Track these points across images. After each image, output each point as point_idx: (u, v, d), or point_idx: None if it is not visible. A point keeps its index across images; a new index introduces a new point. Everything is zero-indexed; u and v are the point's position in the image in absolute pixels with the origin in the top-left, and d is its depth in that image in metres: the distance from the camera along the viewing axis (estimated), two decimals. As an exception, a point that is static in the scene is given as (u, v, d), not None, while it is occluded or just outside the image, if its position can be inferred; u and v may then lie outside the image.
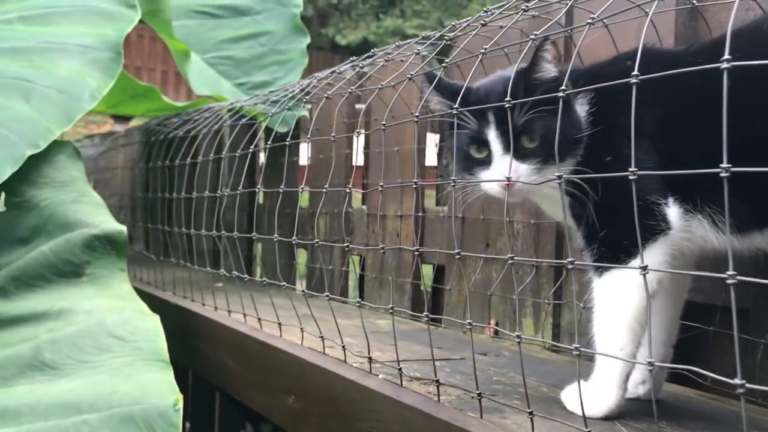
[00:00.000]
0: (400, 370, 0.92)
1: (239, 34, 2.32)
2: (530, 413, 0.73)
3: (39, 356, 1.23)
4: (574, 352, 0.70)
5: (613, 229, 0.87)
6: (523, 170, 0.85)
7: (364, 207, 1.84)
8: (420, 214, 1.61)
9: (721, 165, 0.58)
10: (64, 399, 1.17)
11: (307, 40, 2.30)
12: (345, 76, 1.33)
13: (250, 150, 1.73)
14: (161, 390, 1.19)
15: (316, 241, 1.14)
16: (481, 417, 0.80)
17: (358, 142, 1.86)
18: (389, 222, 1.71)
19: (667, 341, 0.97)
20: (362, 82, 1.33)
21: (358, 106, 1.92)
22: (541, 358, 1.22)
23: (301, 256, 2.14)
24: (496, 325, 1.40)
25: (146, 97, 2.74)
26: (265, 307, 1.29)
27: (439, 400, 0.86)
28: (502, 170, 0.85)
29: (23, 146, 1.37)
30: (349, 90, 1.29)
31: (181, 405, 1.17)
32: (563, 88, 0.74)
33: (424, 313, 0.89)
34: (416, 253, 0.90)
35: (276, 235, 1.20)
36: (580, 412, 0.84)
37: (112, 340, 1.27)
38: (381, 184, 1.04)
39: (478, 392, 0.80)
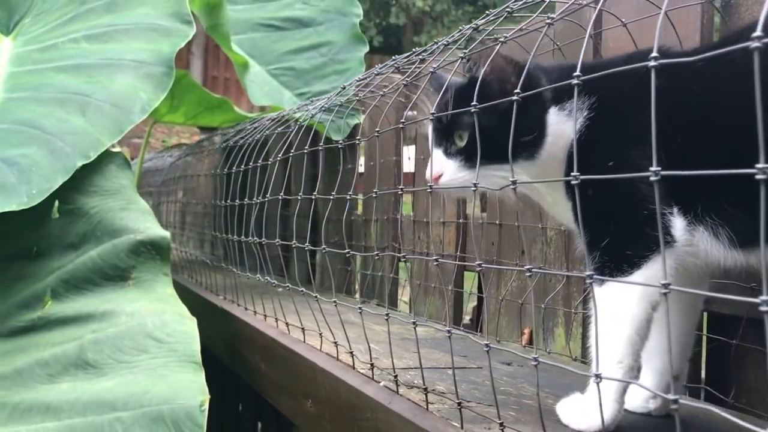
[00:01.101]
0: (395, 377, 0.92)
1: (301, 45, 2.37)
2: (501, 424, 0.72)
3: (82, 355, 1.30)
4: (536, 360, 0.67)
5: (616, 238, 0.83)
6: (448, 167, 0.85)
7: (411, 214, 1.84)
8: (461, 220, 1.60)
9: (758, 165, 0.49)
10: (101, 397, 1.23)
11: (366, 48, 2.32)
12: (394, 80, 1.34)
13: (291, 153, 1.77)
14: (191, 391, 1.24)
15: (323, 247, 1.15)
16: (462, 427, 0.78)
17: (408, 150, 1.86)
18: (433, 228, 1.70)
19: (680, 354, 0.93)
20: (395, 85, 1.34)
21: (408, 113, 1.92)
22: (566, 370, 1.18)
23: (359, 262, 2.16)
24: (530, 334, 1.37)
25: (221, 108, 2.84)
26: (305, 313, 1.30)
27: (427, 408, 0.85)
28: (433, 164, 0.87)
29: (75, 157, 1.45)
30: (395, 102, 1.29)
31: (206, 406, 1.20)
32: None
33: (426, 320, 0.89)
34: (435, 263, 0.88)
35: (292, 242, 1.22)
36: (574, 426, 0.82)
37: (150, 341, 1.33)
38: (375, 191, 1.03)
39: (458, 402, 0.79)
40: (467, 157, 0.85)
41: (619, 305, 0.82)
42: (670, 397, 0.53)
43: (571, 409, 0.84)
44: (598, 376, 0.58)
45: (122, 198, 1.50)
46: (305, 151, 1.45)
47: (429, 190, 0.89)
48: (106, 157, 1.52)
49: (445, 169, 0.87)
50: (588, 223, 0.85)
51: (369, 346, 1.02)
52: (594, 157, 0.86)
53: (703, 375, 1.11)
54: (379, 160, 1.89)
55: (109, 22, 1.82)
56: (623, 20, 1.04)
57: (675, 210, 0.81)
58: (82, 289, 1.40)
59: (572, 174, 0.68)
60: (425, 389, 0.85)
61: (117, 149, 1.62)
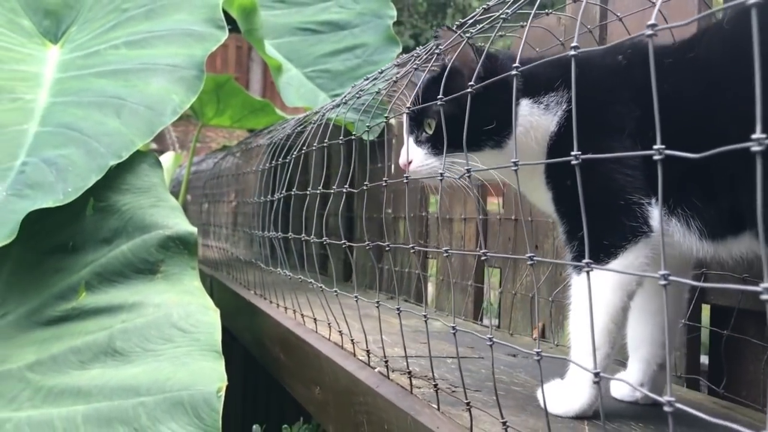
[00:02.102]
0: (386, 362, 0.96)
1: (337, 47, 2.43)
2: (467, 404, 0.74)
3: (112, 344, 1.38)
4: (535, 357, 0.69)
5: (594, 228, 0.85)
6: (417, 154, 0.88)
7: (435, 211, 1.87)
8: (480, 217, 1.62)
9: (754, 136, 0.41)
10: (127, 383, 1.30)
11: (399, 49, 2.36)
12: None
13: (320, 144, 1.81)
14: (210, 378, 1.30)
15: (321, 241, 1.19)
16: (438, 409, 0.81)
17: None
18: (455, 225, 1.72)
19: (665, 344, 0.93)
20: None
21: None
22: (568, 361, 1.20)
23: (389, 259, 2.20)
24: (543, 327, 1.38)
25: (263, 111, 2.93)
26: (331, 307, 1.33)
27: (411, 391, 0.88)
28: (404, 152, 0.92)
29: (109, 157, 1.53)
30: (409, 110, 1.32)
31: (223, 392, 1.26)
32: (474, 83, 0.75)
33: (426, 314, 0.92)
34: (445, 254, 0.91)
35: (313, 238, 1.27)
36: (552, 410, 0.84)
37: (175, 331, 1.39)
38: (366, 183, 1.07)
39: (434, 384, 0.82)
40: (434, 145, 0.88)
41: (596, 294, 0.84)
42: (665, 399, 0.50)
43: (550, 394, 0.86)
44: (597, 374, 0.60)
45: (153, 195, 1.57)
46: (324, 144, 1.49)
47: (405, 181, 0.92)
48: (138, 156, 1.60)
49: (414, 156, 0.90)
50: (566, 213, 0.87)
51: (382, 338, 1.05)
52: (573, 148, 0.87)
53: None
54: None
55: (147, 28, 1.90)
56: (618, 15, 1.05)
57: (653, 201, 0.82)
58: (114, 282, 1.48)
59: (572, 153, 0.66)
60: (409, 373, 0.88)
61: (177, 152, 1.70)
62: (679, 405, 0.46)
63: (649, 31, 0.46)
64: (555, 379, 0.87)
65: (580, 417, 0.83)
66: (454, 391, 0.90)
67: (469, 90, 0.75)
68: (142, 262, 1.50)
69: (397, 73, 1.30)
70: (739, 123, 0.68)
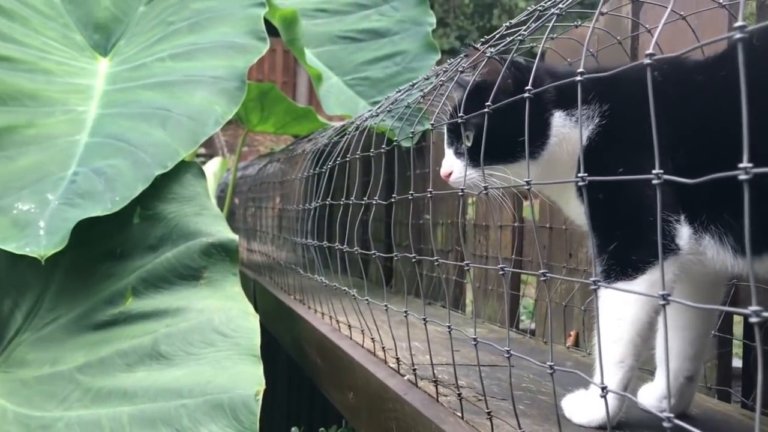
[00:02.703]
0: (414, 370, 0.98)
1: (377, 55, 2.46)
2: (488, 413, 0.76)
3: (156, 348, 1.43)
4: (548, 371, 0.71)
5: (623, 243, 0.86)
6: (456, 165, 0.90)
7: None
8: (516, 224, 1.63)
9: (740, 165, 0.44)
10: (170, 385, 1.35)
11: (437, 56, 2.38)
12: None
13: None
14: (249, 381, 1.34)
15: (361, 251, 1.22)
16: (462, 417, 0.83)
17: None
18: (491, 232, 1.74)
19: (694, 356, 0.93)
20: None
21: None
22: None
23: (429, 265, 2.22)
24: (576, 336, 1.39)
25: (306, 117, 2.98)
26: (366, 313, 1.37)
27: (437, 399, 0.91)
28: (444, 163, 0.95)
29: (154, 167, 1.59)
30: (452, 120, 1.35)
31: (261, 396, 1.30)
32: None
33: (447, 324, 0.94)
34: (466, 267, 0.94)
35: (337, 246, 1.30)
36: (575, 420, 0.86)
37: (216, 335, 1.44)
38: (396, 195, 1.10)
39: (458, 393, 0.84)
40: (472, 157, 0.90)
41: (623, 308, 0.85)
42: (664, 415, 0.51)
43: (573, 404, 0.87)
44: (603, 389, 0.62)
45: (197, 204, 1.63)
46: (365, 154, 1.53)
47: (429, 195, 0.95)
48: (183, 166, 1.66)
49: (454, 167, 0.93)
50: (598, 227, 0.89)
51: (410, 345, 1.08)
52: (603, 163, 0.89)
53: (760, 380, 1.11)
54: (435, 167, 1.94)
55: (192, 41, 1.97)
56: (647, 26, 1.06)
57: (682, 218, 0.82)
58: (159, 287, 1.54)
59: (578, 175, 0.69)
60: (435, 382, 0.91)
61: (225, 157, 1.76)
62: (677, 421, 0.48)
63: (647, 60, 0.48)
64: (580, 390, 0.89)
65: (602, 427, 0.84)
66: (480, 400, 0.92)
67: (483, 111, 0.77)
68: (185, 268, 1.55)
69: (431, 84, 1.33)
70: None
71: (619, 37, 1.14)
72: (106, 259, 1.58)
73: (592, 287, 0.68)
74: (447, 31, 11.81)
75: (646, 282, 0.81)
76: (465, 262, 0.93)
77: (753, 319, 0.41)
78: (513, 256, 1.63)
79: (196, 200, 1.64)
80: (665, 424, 0.48)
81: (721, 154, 0.78)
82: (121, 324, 1.49)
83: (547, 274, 0.71)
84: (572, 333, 1.40)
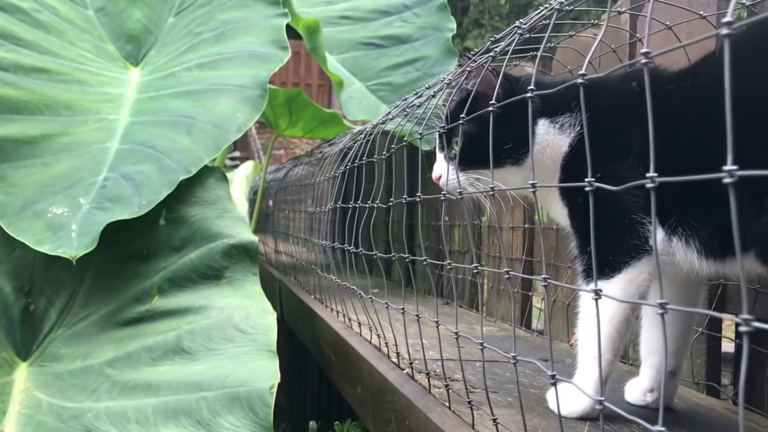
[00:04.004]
0: (411, 364, 1.04)
1: (398, 61, 2.52)
2: (469, 402, 0.82)
3: (179, 343, 1.51)
4: (511, 361, 0.76)
5: (600, 244, 0.90)
6: (445, 170, 0.96)
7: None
8: (526, 226, 1.68)
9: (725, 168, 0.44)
10: (191, 379, 1.43)
11: (456, 61, 2.43)
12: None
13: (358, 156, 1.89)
14: (265, 375, 1.41)
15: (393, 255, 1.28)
16: (449, 407, 0.89)
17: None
18: (504, 233, 1.79)
19: (676, 351, 0.98)
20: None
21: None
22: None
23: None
24: (580, 334, 1.43)
25: (332, 122, 3.05)
26: (391, 310, 1.42)
27: (430, 391, 0.96)
28: (435, 167, 1.01)
29: (179, 172, 1.67)
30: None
31: (275, 389, 1.37)
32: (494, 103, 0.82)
33: (463, 326, 1.00)
34: (475, 270, 0.99)
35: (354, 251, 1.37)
36: (558, 411, 0.91)
37: (236, 332, 1.52)
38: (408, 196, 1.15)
39: (446, 384, 0.90)
40: (459, 162, 0.96)
41: (601, 306, 0.89)
42: (655, 429, 0.53)
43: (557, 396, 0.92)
44: (553, 376, 0.67)
45: (219, 207, 1.71)
46: (382, 156, 1.58)
47: (442, 198, 1.00)
48: (206, 171, 1.74)
49: (443, 171, 0.99)
50: (578, 228, 0.94)
51: (407, 341, 1.13)
52: (584, 168, 0.93)
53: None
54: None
55: (218, 51, 2.05)
56: (638, 35, 1.10)
57: (655, 220, 0.87)
58: (183, 287, 1.62)
59: (586, 180, 0.73)
60: (428, 374, 0.96)
61: (261, 159, 1.84)
62: (608, 404, 0.52)
63: (643, 59, 0.52)
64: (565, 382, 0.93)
65: (583, 418, 0.89)
66: (472, 392, 0.97)
67: (489, 109, 0.82)
68: (208, 268, 1.63)
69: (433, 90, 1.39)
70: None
71: (613, 46, 1.18)
72: (134, 259, 1.67)
73: (593, 298, 0.71)
74: (482, 32, 11.80)
75: (623, 281, 0.86)
76: (473, 265, 0.99)
77: (743, 328, 0.42)
78: (523, 257, 1.68)
79: (218, 203, 1.72)
80: (597, 407, 0.53)
81: (689, 160, 0.82)
82: (147, 321, 1.58)
83: (549, 280, 0.76)
84: (576, 331, 1.44)
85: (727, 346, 1.14)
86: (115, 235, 1.63)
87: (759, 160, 0.75)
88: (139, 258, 1.67)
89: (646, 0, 1.12)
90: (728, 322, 1.13)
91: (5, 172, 1.64)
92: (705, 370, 1.10)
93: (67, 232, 1.55)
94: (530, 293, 1.72)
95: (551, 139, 0.95)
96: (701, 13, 0.98)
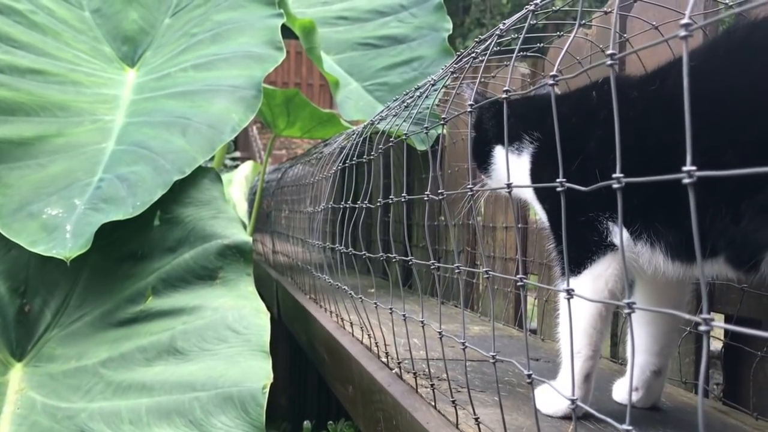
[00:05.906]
0: (399, 364, 1.04)
1: (395, 61, 2.53)
2: (453, 401, 0.82)
3: (173, 344, 1.52)
4: (491, 360, 0.77)
5: (567, 242, 0.91)
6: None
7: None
8: (520, 225, 1.68)
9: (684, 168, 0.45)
10: (185, 379, 1.44)
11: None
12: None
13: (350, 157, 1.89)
14: (258, 375, 1.42)
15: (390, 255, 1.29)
16: (435, 406, 0.89)
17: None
18: (498, 233, 1.79)
19: (660, 351, 0.98)
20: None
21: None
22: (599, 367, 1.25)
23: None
24: (572, 333, 1.43)
25: (330, 122, 3.06)
26: (383, 310, 1.43)
27: (417, 391, 0.97)
28: None
29: (173, 173, 1.68)
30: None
31: (267, 389, 1.38)
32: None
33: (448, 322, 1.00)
34: (457, 270, 1.00)
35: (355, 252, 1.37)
36: (544, 410, 0.91)
37: (229, 332, 1.52)
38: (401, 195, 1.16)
39: (431, 384, 0.90)
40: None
41: (576, 302, 0.90)
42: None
43: (541, 396, 0.93)
44: (530, 376, 0.68)
45: (213, 208, 1.71)
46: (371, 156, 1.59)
47: (442, 197, 1.01)
48: (200, 172, 1.75)
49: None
50: (551, 229, 0.96)
51: (395, 340, 1.14)
52: (542, 177, 0.95)
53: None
54: (454, 168, 2.00)
55: (213, 51, 2.06)
56: (625, 35, 1.10)
57: (614, 217, 0.87)
58: (177, 287, 1.62)
59: (558, 180, 0.75)
60: (414, 374, 0.97)
61: (262, 159, 1.85)
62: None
63: (551, 81, 0.53)
64: (550, 381, 0.94)
65: (568, 417, 0.89)
66: (458, 392, 0.97)
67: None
68: (202, 269, 1.64)
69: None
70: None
71: (601, 46, 1.18)
72: (128, 260, 1.68)
73: (565, 297, 0.73)
74: (483, 31, 11.81)
75: (590, 275, 0.87)
76: (455, 265, 0.99)
77: (702, 328, 0.41)
78: (518, 257, 1.68)
79: (212, 204, 1.72)
80: (569, 406, 0.54)
81: (652, 165, 0.82)
82: (141, 321, 1.58)
83: (524, 280, 0.76)
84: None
85: (715, 344, 1.14)
86: (109, 235, 1.64)
87: (736, 166, 0.75)
88: (133, 258, 1.67)
89: (633, 0, 1.13)
90: (718, 321, 1.13)
91: (0, 173, 1.65)
92: (693, 369, 1.10)
93: (62, 233, 1.55)
94: (524, 293, 1.72)
95: (511, 162, 0.97)
96: (684, 13, 0.97)
